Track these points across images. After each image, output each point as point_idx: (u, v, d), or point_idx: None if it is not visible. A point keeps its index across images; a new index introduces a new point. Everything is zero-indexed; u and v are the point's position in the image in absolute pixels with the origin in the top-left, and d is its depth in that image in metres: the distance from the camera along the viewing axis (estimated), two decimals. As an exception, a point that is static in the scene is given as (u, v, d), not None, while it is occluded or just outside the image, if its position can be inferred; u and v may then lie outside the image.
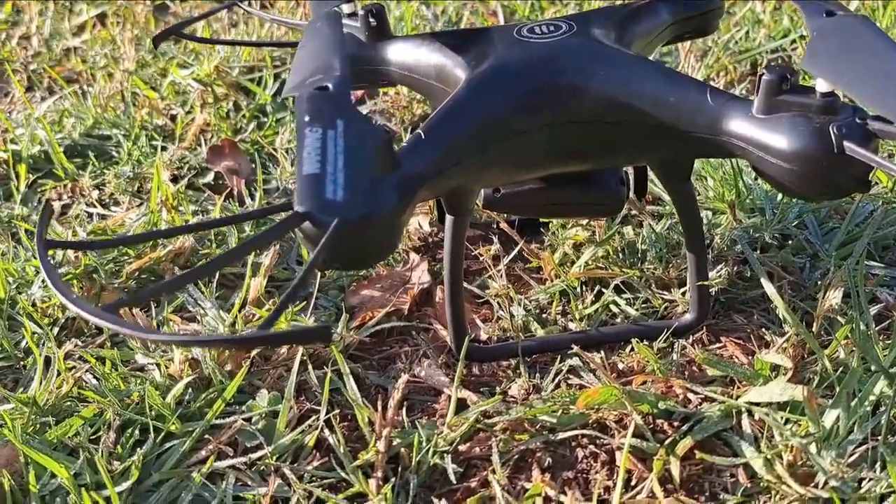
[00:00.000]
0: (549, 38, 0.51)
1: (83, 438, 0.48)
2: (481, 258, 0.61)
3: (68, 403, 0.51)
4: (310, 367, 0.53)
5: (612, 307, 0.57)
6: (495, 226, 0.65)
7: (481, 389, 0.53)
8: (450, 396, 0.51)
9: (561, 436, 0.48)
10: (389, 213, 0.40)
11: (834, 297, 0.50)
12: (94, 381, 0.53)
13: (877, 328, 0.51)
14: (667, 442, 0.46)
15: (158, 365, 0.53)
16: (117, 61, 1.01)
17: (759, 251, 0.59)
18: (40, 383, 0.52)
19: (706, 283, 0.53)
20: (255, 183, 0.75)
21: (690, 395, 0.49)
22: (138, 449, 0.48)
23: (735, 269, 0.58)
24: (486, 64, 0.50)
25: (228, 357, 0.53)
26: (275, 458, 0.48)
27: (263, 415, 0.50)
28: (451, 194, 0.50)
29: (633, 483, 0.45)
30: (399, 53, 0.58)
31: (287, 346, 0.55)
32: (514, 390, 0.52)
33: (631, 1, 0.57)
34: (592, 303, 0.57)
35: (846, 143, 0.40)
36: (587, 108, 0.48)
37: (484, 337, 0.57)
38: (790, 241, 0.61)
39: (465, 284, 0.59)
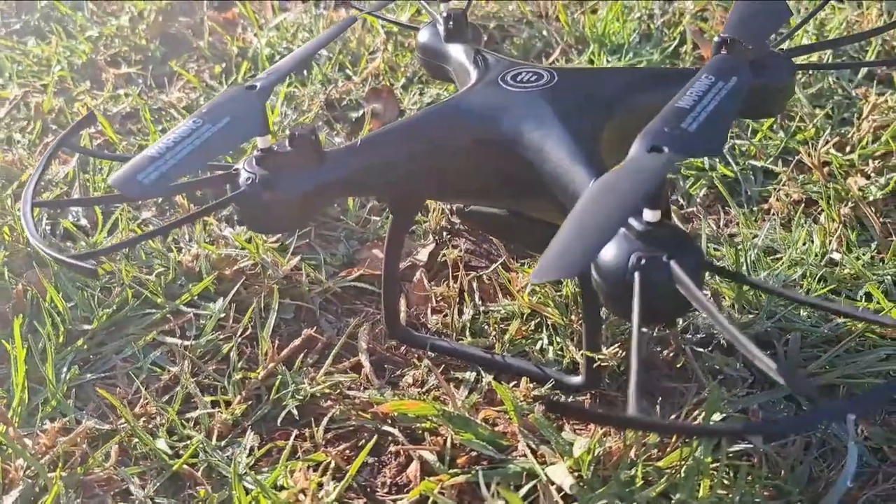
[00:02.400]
0: (518, 89, 0.53)
1: (98, 285, 0.65)
2: (443, 257, 0.66)
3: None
4: (254, 294, 0.64)
5: (539, 343, 0.59)
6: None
7: (385, 365, 0.60)
8: (359, 361, 0.59)
9: (387, 428, 0.53)
10: (294, 199, 0.49)
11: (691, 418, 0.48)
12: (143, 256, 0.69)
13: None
14: (452, 471, 0.50)
15: (176, 250, 0.68)
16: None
17: (709, 348, 0.56)
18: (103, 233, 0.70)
19: (591, 354, 0.53)
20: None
21: (521, 446, 0.52)
22: (126, 307, 0.64)
23: (674, 355, 0.57)
24: (456, 95, 0.55)
25: (223, 263, 0.66)
26: (196, 351, 0.60)
27: (209, 316, 0.62)
28: (389, 200, 0.56)
29: (405, 490, 0.50)
30: (456, 57, 0.63)
31: (262, 273, 0.66)
32: (407, 377, 0.58)
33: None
34: (526, 333, 0.60)
35: (636, 275, 0.39)
36: (504, 157, 0.51)
37: (431, 325, 0.63)
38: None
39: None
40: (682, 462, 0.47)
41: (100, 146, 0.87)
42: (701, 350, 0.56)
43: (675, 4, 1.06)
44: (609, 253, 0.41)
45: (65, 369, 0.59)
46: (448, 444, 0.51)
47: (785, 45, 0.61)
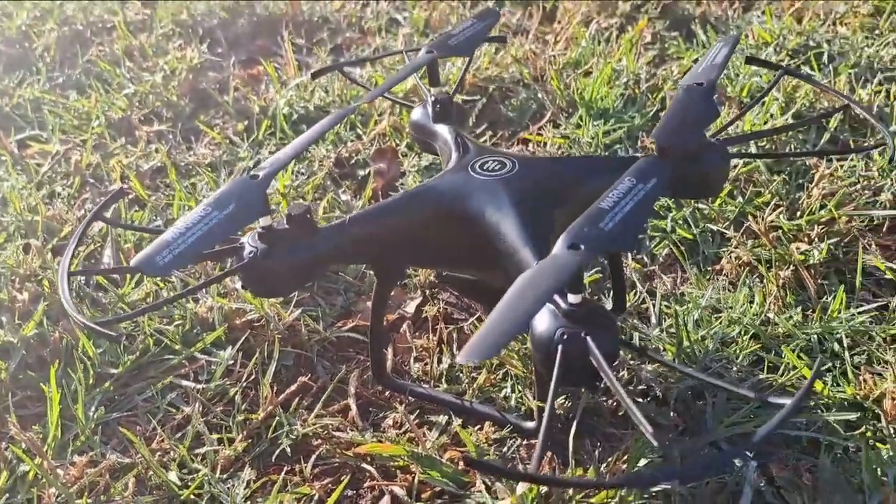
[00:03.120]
0: (483, 176, 0.62)
1: (125, 333, 0.75)
2: (425, 312, 0.75)
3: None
4: (258, 343, 0.73)
5: (504, 391, 0.68)
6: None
7: (370, 408, 0.68)
8: (348, 404, 0.68)
9: (365, 465, 0.62)
10: (290, 268, 0.58)
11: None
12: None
13: None
14: (417, 505, 0.58)
15: (193, 301, 0.78)
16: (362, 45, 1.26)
17: (647, 399, 0.64)
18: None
19: (541, 404, 0.61)
20: (395, 187, 0.95)
21: (479, 483, 0.60)
22: (148, 353, 0.73)
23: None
24: (431, 180, 0.64)
25: (234, 315, 0.76)
26: (207, 395, 0.69)
27: (219, 363, 0.72)
28: (374, 268, 0.66)
29: (376, 520, 0.58)
30: (442, 136, 0.73)
31: (267, 325, 0.75)
32: (388, 419, 0.67)
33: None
34: (494, 381, 0.68)
35: (560, 348, 0.48)
36: (469, 235, 0.60)
37: (414, 372, 0.72)
38: (699, 402, 0.65)
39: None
40: (609, 500, 0.55)
41: (131, 201, 0.97)
42: (640, 400, 0.64)
43: (661, 70, 1.14)
44: (540, 327, 0.50)
45: (93, 408, 0.68)
46: (416, 480, 0.60)
47: (725, 133, 0.69)
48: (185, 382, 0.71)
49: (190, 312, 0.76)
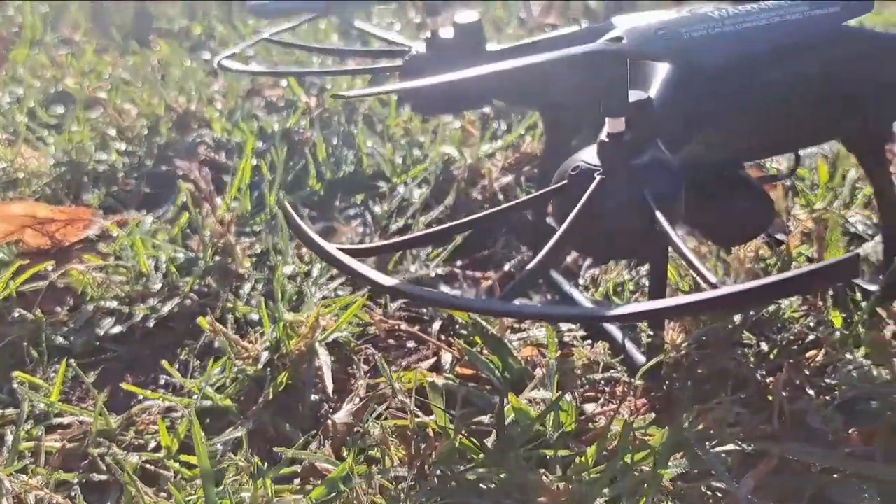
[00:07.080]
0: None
1: (353, 153, 0.76)
2: None
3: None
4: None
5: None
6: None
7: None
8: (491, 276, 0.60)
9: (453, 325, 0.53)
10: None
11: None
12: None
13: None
14: (448, 376, 0.48)
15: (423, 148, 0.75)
16: None
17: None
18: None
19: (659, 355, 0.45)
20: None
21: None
22: (361, 174, 0.73)
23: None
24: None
25: (449, 163, 0.71)
26: (381, 221, 0.66)
27: (405, 197, 0.68)
28: (539, 113, 0.57)
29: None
30: None
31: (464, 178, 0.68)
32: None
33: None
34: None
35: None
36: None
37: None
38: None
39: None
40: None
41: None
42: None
43: None
44: (578, 155, 0.36)
45: (286, 200, 0.70)
46: (465, 357, 0.49)
47: None
48: (376, 208, 0.69)
49: (417, 152, 0.75)
